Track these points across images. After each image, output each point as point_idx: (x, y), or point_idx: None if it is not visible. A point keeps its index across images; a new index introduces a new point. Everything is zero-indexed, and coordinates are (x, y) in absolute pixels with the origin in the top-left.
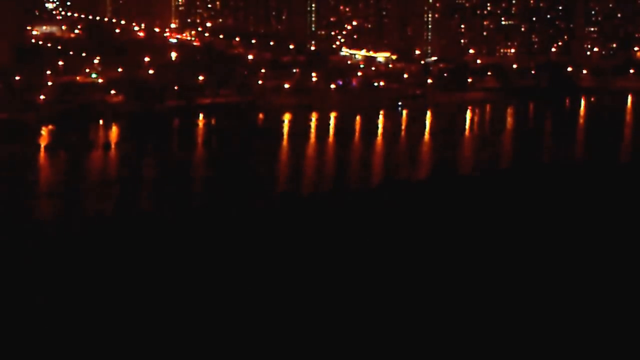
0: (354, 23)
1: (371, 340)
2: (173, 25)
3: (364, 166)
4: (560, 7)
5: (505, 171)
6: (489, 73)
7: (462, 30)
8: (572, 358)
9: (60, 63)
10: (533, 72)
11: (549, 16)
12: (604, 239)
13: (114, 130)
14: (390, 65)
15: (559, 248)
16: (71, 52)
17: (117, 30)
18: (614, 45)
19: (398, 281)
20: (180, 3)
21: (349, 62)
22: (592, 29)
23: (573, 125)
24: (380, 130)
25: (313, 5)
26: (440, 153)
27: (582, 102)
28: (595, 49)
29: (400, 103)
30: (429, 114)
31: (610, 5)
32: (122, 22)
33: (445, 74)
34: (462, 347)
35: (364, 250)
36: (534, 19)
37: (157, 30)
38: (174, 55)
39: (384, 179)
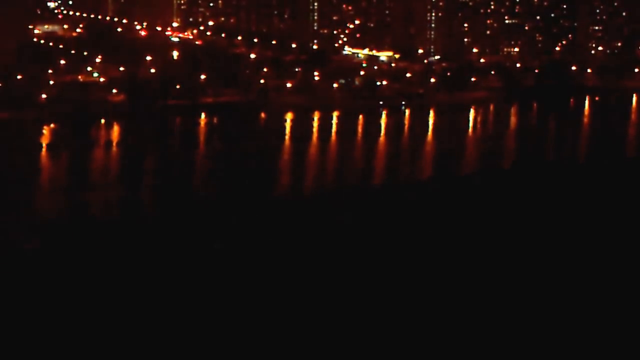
0: (357, 22)
1: (372, 341)
2: (175, 24)
3: (365, 166)
4: (564, 6)
5: (507, 171)
6: (492, 72)
7: (466, 29)
8: (572, 358)
9: (62, 62)
10: (537, 71)
11: (553, 15)
12: (608, 238)
13: (115, 129)
14: (393, 65)
15: (562, 248)
16: (73, 51)
17: (119, 29)
18: (619, 44)
19: (399, 281)
20: (182, 2)
21: (351, 61)
22: (597, 28)
23: (576, 125)
24: (381, 130)
25: (315, 4)
26: (442, 153)
27: (587, 102)
28: (600, 48)
29: (403, 102)
30: (431, 113)
31: (615, 4)
32: (124, 21)
33: (448, 73)
34: (463, 347)
35: (366, 250)
36: (537, 17)
37: (158, 29)
38: (175, 54)
39: (385, 178)
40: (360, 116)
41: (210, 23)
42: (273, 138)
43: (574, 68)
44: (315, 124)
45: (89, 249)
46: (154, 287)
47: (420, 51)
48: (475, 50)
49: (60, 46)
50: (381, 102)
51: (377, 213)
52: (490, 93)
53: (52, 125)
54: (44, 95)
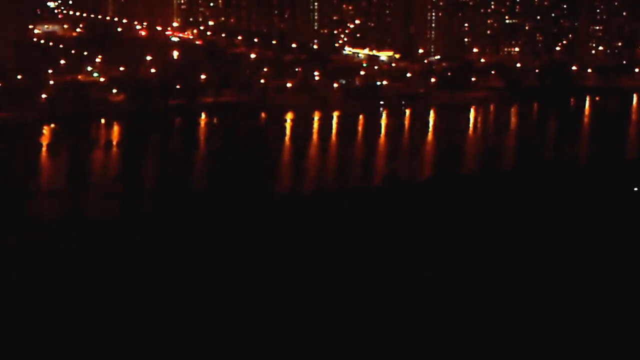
0: (357, 22)
1: (372, 340)
2: (175, 24)
3: (364, 166)
4: (564, 6)
5: (507, 171)
6: (492, 72)
7: (466, 28)
8: (572, 358)
9: (62, 62)
10: (537, 71)
11: (553, 15)
12: (607, 239)
13: (116, 129)
14: (393, 64)
15: (562, 248)
16: (73, 51)
17: (119, 29)
18: (619, 44)
19: (399, 281)
20: (182, 2)
21: (351, 61)
22: (597, 28)
23: (576, 125)
24: (382, 130)
25: (316, 3)
26: (442, 153)
27: (587, 102)
28: (600, 48)
29: (403, 102)
30: (431, 113)
31: (616, 4)
32: (124, 20)
33: (448, 73)
34: (463, 347)
35: (367, 250)
36: (538, 17)
37: (158, 28)
38: (175, 54)
39: (385, 178)
40: (361, 116)
41: (210, 23)
42: (273, 138)
43: (574, 68)
44: (315, 124)
45: (89, 249)
46: (153, 287)
47: (421, 51)
48: (475, 50)
49: (60, 46)
50: (381, 102)
51: (377, 213)
52: (490, 93)
53: (52, 125)
54: (44, 95)
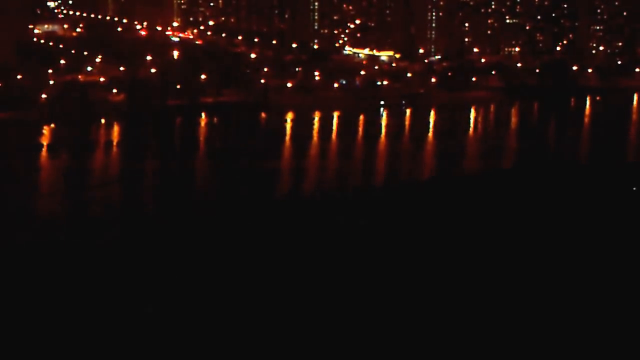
0: (357, 22)
1: (372, 341)
2: (175, 24)
3: (365, 166)
4: (565, 6)
5: (508, 171)
6: (493, 72)
7: (466, 28)
8: (572, 358)
9: (62, 62)
10: (538, 71)
11: (553, 15)
12: (607, 239)
13: (116, 129)
14: (393, 64)
15: (562, 249)
16: (73, 51)
17: (119, 29)
18: (620, 43)
19: (400, 282)
20: (182, 1)
21: (352, 61)
22: (597, 28)
23: (576, 124)
24: (382, 130)
25: (316, 3)
26: (442, 153)
27: (587, 102)
28: (601, 48)
29: (403, 102)
30: (432, 113)
31: (616, 4)
32: (124, 20)
33: (449, 73)
34: (463, 347)
35: (367, 250)
36: (538, 17)
37: (159, 28)
38: (176, 53)
39: (385, 178)
40: (361, 116)
41: (211, 23)
42: (273, 138)
43: (574, 68)
44: (316, 123)
45: (89, 250)
46: (153, 289)
47: (421, 51)
48: (476, 50)
49: (60, 46)
50: (382, 102)
51: (378, 213)
52: (491, 93)
53: (52, 125)
54: (44, 95)
